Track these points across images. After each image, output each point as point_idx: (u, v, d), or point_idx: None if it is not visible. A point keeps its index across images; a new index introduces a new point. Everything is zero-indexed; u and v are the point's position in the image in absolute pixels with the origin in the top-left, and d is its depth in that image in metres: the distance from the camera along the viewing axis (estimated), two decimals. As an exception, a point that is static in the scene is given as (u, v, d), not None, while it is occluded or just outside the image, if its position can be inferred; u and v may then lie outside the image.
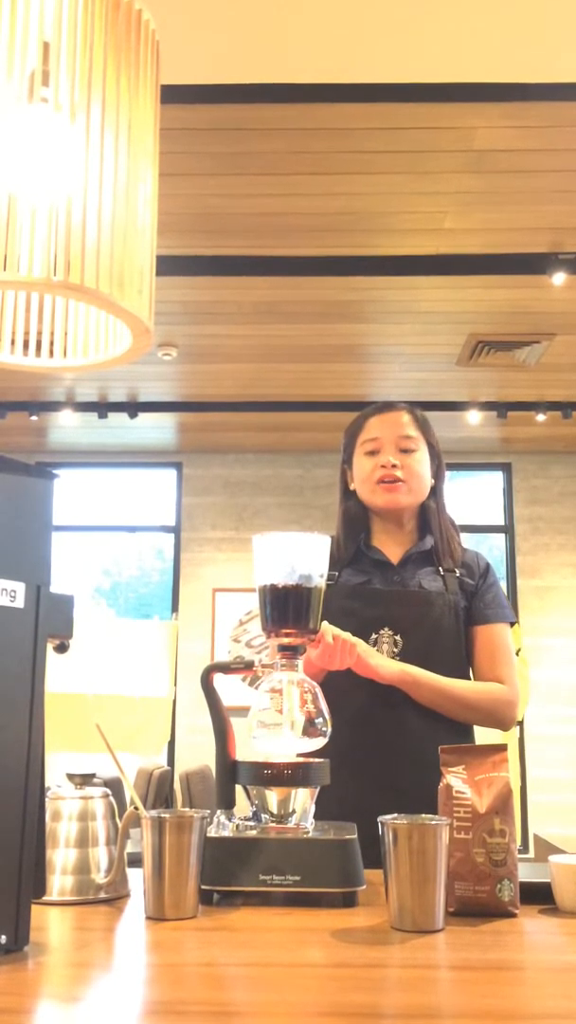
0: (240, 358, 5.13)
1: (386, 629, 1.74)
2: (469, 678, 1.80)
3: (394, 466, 1.80)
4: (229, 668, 1.43)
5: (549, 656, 6.44)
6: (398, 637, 1.73)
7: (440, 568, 1.82)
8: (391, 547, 1.85)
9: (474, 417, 5.80)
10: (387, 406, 1.88)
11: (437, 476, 1.89)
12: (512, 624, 1.85)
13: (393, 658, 1.72)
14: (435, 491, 1.88)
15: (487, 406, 5.74)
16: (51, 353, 1.41)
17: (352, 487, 1.89)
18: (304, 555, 1.38)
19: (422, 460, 1.84)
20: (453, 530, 1.88)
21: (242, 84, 2.81)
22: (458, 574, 1.81)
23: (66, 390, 5.61)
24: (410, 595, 1.78)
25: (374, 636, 1.74)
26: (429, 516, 1.87)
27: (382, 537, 1.87)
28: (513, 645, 1.85)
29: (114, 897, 1.24)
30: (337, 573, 1.81)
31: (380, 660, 1.65)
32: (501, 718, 1.76)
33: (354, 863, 1.23)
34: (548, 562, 6.67)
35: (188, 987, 0.92)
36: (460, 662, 1.78)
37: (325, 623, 1.58)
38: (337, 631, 1.59)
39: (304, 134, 3.25)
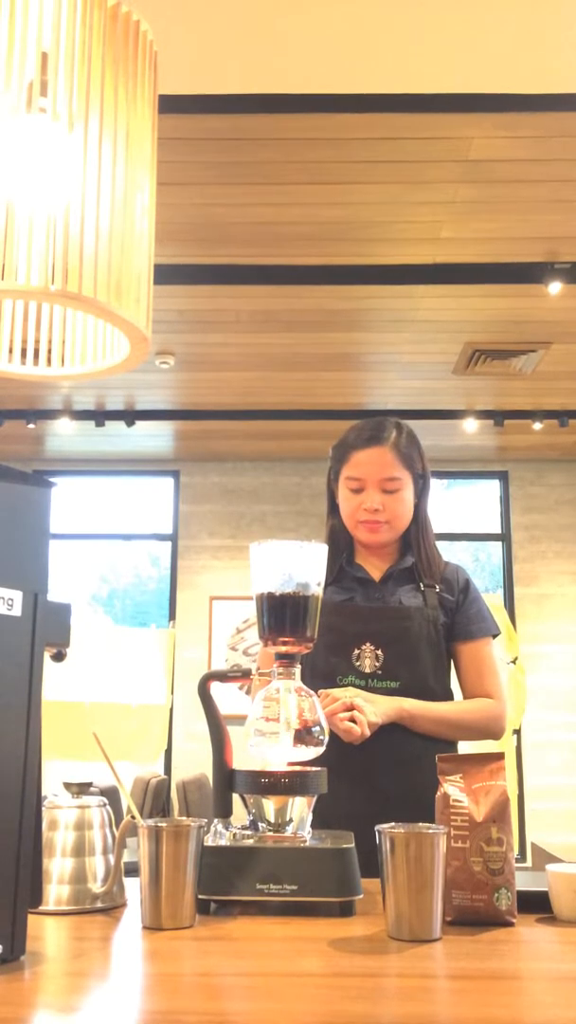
0: (237, 366, 5.14)
1: (368, 644, 1.78)
2: (449, 688, 1.84)
3: (376, 510, 1.82)
4: (226, 676, 1.43)
5: (546, 663, 6.44)
6: (379, 651, 1.78)
7: (421, 584, 1.85)
8: (373, 565, 1.89)
9: (471, 425, 5.81)
10: (373, 438, 1.83)
11: (421, 495, 1.89)
12: (495, 636, 1.88)
13: (375, 671, 1.77)
14: (418, 511, 1.88)
15: (484, 414, 5.75)
16: (49, 361, 1.42)
17: (339, 504, 1.91)
18: (301, 563, 1.38)
19: (405, 498, 1.85)
20: (434, 548, 1.90)
21: (239, 94, 2.82)
22: (438, 590, 1.85)
23: (63, 398, 5.61)
24: (390, 611, 1.82)
25: (356, 651, 1.78)
26: (411, 537, 1.89)
27: (364, 555, 1.91)
28: (497, 657, 1.89)
29: (111, 907, 1.24)
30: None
31: (377, 707, 1.67)
32: (494, 732, 1.82)
33: (351, 872, 1.23)
34: (545, 570, 6.68)
35: (185, 997, 0.92)
36: (440, 672, 1.82)
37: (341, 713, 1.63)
38: (343, 716, 1.62)
39: (301, 144, 3.26)
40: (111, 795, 3.87)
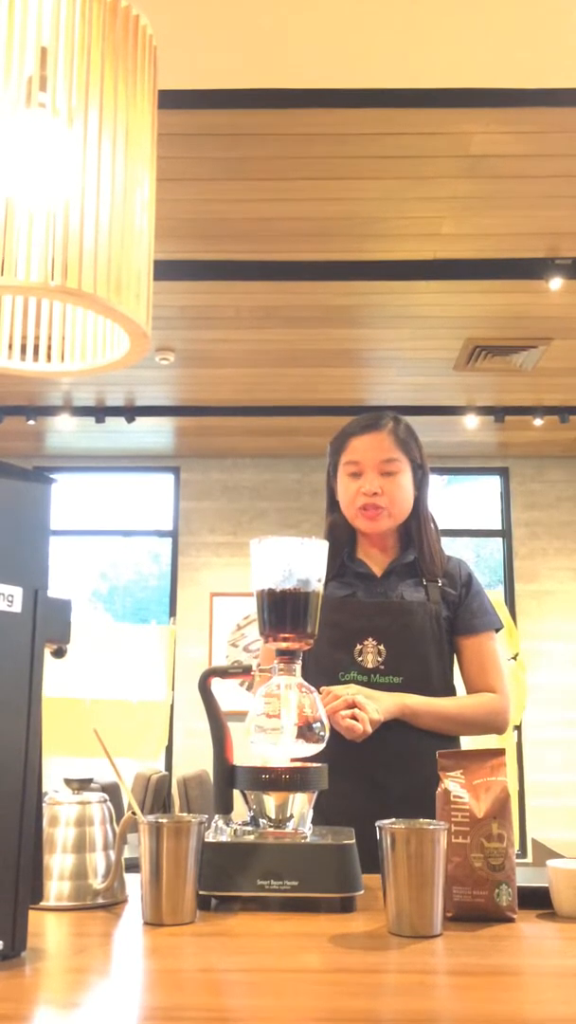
0: (238, 362, 5.14)
1: (370, 639, 1.77)
2: (452, 683, 1.83)
3: (375, 494, 1.81)
4: (227, 672, 1.43)
5: (547, 660, 6.45)
6: (381, 647, 1.77)
7: (423, 578, 1.84)
8: (375, 559, 1.88)
9: (472, 421, 5.81)
10: (370, 425, 1.85)
11: (420, 487, 1.88)
12: (497, 630, 1.87)
13: (378, 666, 1.76)
14: (418, 503, 1.88)
15: (484, 410, 5.75)
16: (48, 357, 1.41)
17: (338, 498, 1.90)
18: (302, 559, 1.38)
19: (404, 483, 1.84)
20: (436, 541, 1.89)
21: (239, 89, 2.82)
22: (440, 584, 1.84)
23: (63, 394, 5.61)
24: (392, 606, 1.81)
25: (359, 646, 1.77)
26: (412, 530, 1.88)
27: (366, 549, 1.90)
28: (500, 651, 1.88)
29: (111, 902, 1.24)
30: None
31: (379, 704, 1.67)
32: (497, 726, 1.81)
33: (352, 868, 1.23)
34: (545, 566, 6.67)
35: (186, 993, 0.92)
36: (442, 668, 1.81)
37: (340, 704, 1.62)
38: (343, 713, 1.61)
39: (301, 139, 3.26)
40: (112, 791, 3.86)
